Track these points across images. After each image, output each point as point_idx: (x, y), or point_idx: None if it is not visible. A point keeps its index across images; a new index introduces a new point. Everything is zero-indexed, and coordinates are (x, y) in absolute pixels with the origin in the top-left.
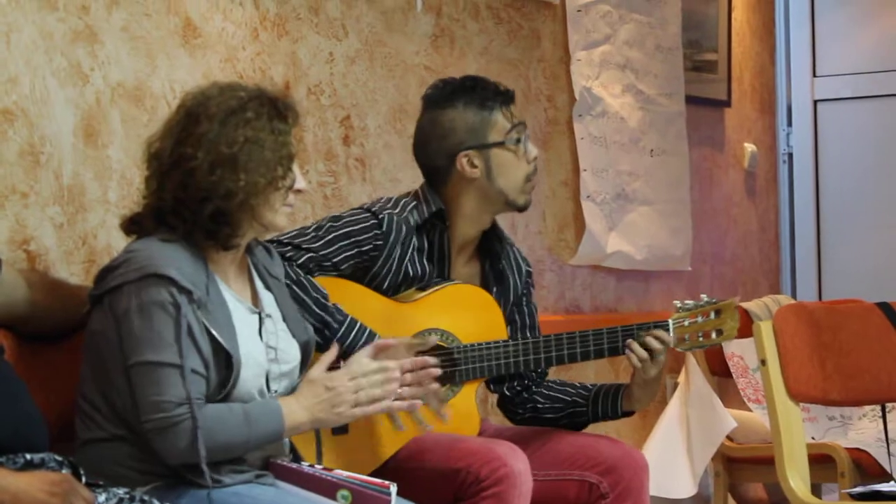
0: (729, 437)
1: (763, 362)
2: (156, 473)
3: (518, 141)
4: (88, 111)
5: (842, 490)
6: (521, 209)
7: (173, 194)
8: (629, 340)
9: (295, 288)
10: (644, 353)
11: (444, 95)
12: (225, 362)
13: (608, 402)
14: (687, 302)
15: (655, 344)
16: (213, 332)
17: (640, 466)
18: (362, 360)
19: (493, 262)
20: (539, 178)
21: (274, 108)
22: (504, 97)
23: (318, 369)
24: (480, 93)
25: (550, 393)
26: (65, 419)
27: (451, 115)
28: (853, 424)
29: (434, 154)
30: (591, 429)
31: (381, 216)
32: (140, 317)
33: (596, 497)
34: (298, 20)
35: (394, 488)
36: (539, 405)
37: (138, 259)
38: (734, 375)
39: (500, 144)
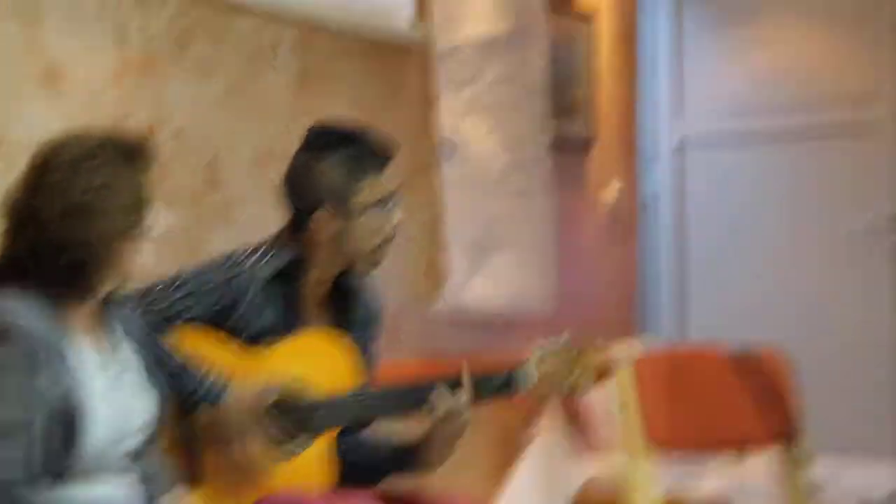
0: (584, 486)
1: (621, 409)
2: None
3: (382, 210)
4: None
5: None
6: (368, 272)
7: (28, 246)
8: (437, 390)
9: (146, 342)
10: (449, 404)
11: (325, 142)
12: (69, 423)
13: (406, 457)
14: (545, 345)
15: (447, 401)
16: (58, 393)
17: None
18: None
19: (345, 308)
20: (403, 223)
21: (126, 154)
22: (382, 161)
23: None
24: (359, 153)
25: (364, 443)
26: None
27: (323, 167)
28: (709, 471)
29: (297, 198)
30: (449, 480)
31: (237, 269)
32: None
33: None
34: (163, 63)
35: None
36: (342, 448)
37: None
38: (591, 422)
39: (360, 213)
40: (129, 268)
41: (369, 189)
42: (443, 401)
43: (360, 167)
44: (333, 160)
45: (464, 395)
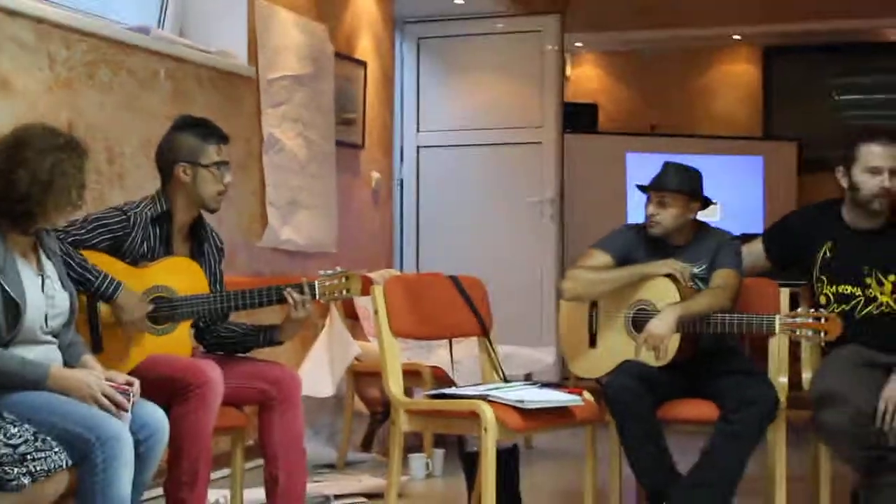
0: (356, 359)
1: (376, 312)
2: None
3: (219, 169)
4: None
5: (424, 392)
6: (213, 211)
7: None
8: (288, 290)
9: (65, 257)
10: (299, 298)
11: (182, 124)
12: (14, 308)
13: (267, 335)
14: (328, 270)
15: (297, 296)
16: (7, 288)
17: (295, 380)
18: (104, 383)
19: (199, 242)
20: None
21: (78, 151)
22: (219, 138)
23: (96, 372)
24: (205, 130)
25: (229, 326)
26: None
27: (182, 137)
28: (433, 351)
29: (164, 159)
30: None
31: (128, 213)
32: None
33: (268, 399)
34: (80, 81)
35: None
36: (221, 333)
37: None
38: (360, 319)
39: (206, 167)
40: (57, 222)
41: (213, 152)
42: (298, 294)
43: (206, 138)
44: (189, 133)
45: (308, 292)
